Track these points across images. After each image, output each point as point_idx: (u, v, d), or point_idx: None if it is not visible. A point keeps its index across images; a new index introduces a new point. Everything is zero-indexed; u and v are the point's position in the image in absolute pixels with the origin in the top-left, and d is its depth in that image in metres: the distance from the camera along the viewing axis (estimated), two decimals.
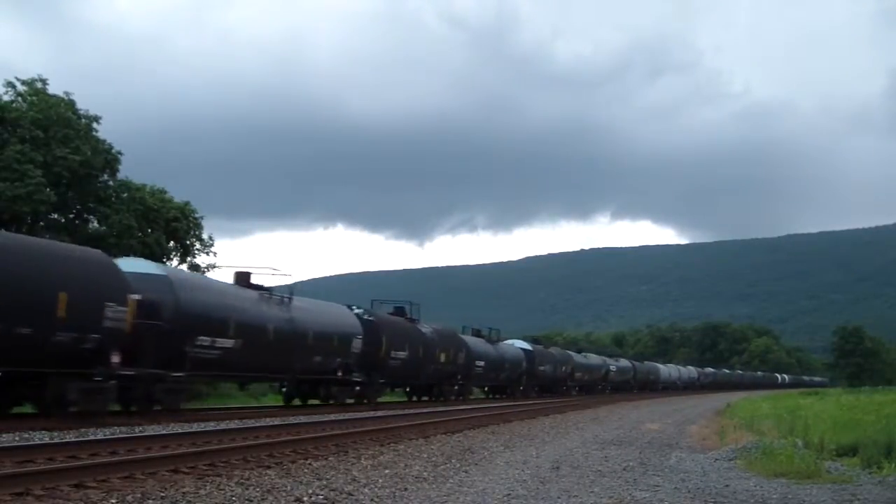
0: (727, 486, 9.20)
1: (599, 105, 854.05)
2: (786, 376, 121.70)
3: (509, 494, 8.16)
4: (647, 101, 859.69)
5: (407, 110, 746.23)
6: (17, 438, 11.43)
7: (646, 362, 74.89)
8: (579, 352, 57.14)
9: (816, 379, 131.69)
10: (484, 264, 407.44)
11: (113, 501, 6.87)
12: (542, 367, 43.56)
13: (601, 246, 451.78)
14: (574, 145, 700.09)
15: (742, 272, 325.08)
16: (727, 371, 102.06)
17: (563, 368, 47.50)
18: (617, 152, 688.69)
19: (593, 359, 57.60)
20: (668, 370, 75.82)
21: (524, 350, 42.49)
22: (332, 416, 18.33)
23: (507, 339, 45.37)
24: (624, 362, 64.33)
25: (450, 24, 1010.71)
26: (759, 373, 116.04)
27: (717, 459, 12.11)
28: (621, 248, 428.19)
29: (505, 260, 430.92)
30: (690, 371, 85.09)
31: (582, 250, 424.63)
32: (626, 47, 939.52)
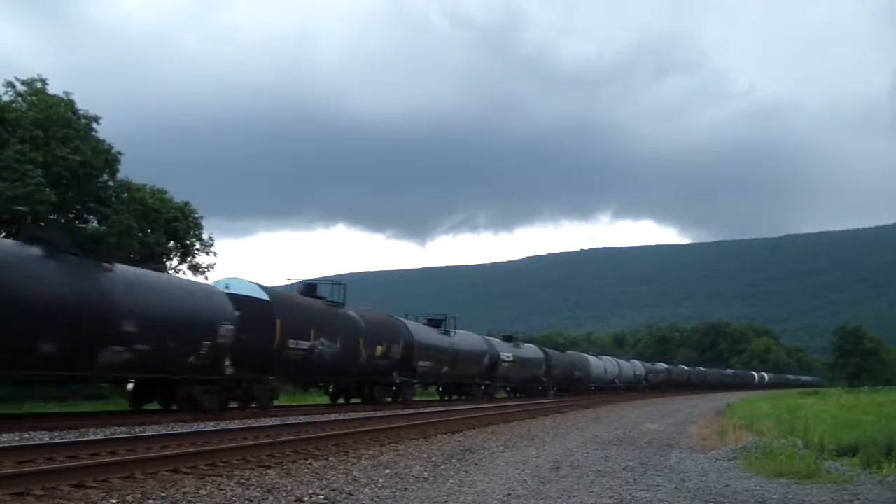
0: (727, 486, 9.19)
1: (603, 104, 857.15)
2: (765, 374, 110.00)
3: (509, 494, 8.16)
4: (652, 100, 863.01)
5: (410, 109, 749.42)
6: (17, 438, 11.43)
7: (568, 352, 55.22)
8: (439, 326, 32.10)
9: (805, 378, 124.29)
10: (484, 264, 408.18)
11: (113, 501, 6.87)
12: (295, 344, 20.88)
13: (601, 246, 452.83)
14: (578, 144, 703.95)
15: (742, 272, 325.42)
16: (685, 368, 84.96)
17: (382, 349, 25.65)
18: (620, 151, 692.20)
19: (464, 340, 33.59)
20: (602, 364, 57.12)
21: (239, 299, 19.37)
22: (333, 416, 18.35)
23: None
24: (529, 350, 43.64)
25: (455, 23, 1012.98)
26: (728, 370, 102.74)
27: (717, 459, 12.10)
28: (621, 248, 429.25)
29: (505, 260, 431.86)
30: (635, 366, 66.25)
31: (582, 250, 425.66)
32: (631, 47, 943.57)
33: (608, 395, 51.13)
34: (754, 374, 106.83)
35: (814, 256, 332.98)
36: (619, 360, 63.77)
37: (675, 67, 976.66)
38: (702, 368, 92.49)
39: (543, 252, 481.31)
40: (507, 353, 38.61)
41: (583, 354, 57.20)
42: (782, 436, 14.84)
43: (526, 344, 44.80)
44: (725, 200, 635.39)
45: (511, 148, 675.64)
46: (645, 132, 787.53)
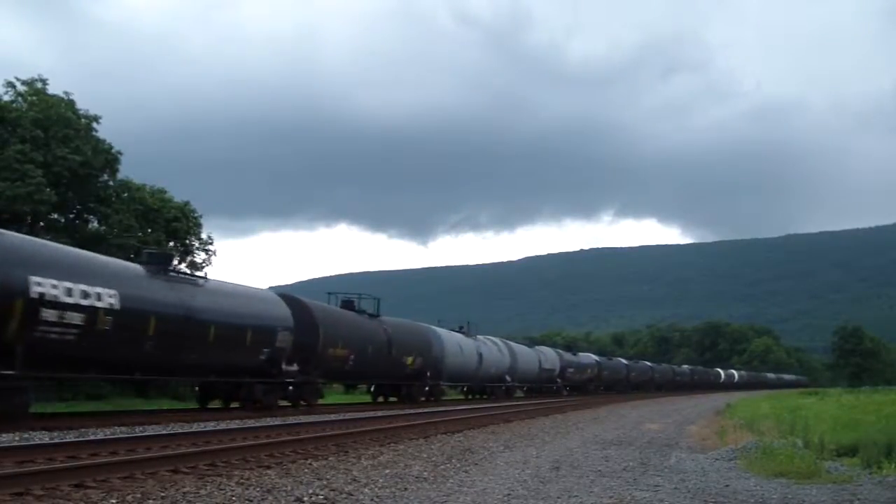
0: (727, 486, 9.20)
1: (608, 104, 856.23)
2: (735, 372, 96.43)
3: (509, 494, 8.16)
4: (657, 99, 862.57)
5: (413, 108, 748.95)
6: (17, 438, 11.43)
7: (387, 318, 27.81)
8: None
9: (788, 377, 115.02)
10: (484, 264, 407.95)
11: (113, 501, 6.87)
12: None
13: (601, 246, 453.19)
14: (582, 143, 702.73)
15: (742, 272, 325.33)
16: (625, 363, 63.82)
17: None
18: (624, 151, 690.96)
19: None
20: (470, 349, 34.35)
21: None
22: (332, 416, 18.35)
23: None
24: (237, 297, 19.36)
25: (462, 22, 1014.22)
26: (685, 367, 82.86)
27: (717, 459, 12.10)
28: (622, 248, 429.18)
29: (505, 260, 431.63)
30: (544, 357, 44.91)
31: (582, 250, 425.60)
32: (636, 46, 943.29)
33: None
34: (720, 371, 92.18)
35: (814, 256, 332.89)
36: (511, 345, 41.16)
37: (681, 66, 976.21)
38: (647, 363, 72.80)
39: (543, 252, 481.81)
40: (119, 290, 14.95)
41: (427, 326, 31.66)
42: (782, 436, 14.85)
43: (231, 284, 20.08)
44: (728, 200, 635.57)
45: (515, 147, 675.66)
46: (649, 131, 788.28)
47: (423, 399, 29.32)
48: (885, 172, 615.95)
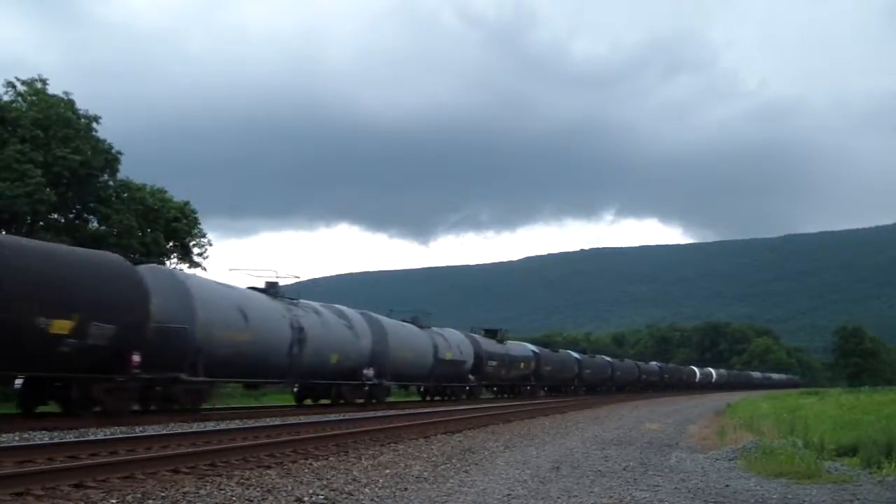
0: (727, 486, 9.19)
1: (611, 103, 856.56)
2: (713, 371, 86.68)
3: (509, 494, 8.15)
4: (659, 99, 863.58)
5: (416, 108, 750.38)
6: (17, 438, 11.43)
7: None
8: None
9: (776, 376, 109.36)
10: (484, 264, 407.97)
11: (113, 501, 6.87)
12: None
13: (602, 246, 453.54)
14: (583, 143, 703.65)
15: (742, 272, 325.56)
16: (576, 357, 52.32)
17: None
18: (626, 150, 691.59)
19: None
20: (278, 315, 20.75)
21: None
22: (333, 416, 18.35)
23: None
24: None
25: (465, 21, 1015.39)
26: (653, 364, 72.84)
27: (717, 459, 12.10)
28: (622, 247, 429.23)
29: (506, 260, 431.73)
30: (447, 342, 32.26)
31: (582, 250, 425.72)
32: (639, 45, 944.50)
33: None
34: (695, 370, 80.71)
35: (814, 256, 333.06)
36: (380, 320, 27.80)
37: (684, 66, 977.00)
38: (606, 358, 61.22)
39: (543, 252, 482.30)
40: None
41: (148, 267, 19.03)
42: (782, 436, 14.84)
43: None
44: (730, 200, 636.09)
45: (516, 146, 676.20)
46: (651, 131, 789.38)
47: (139, 408, 16.55)
48: (886, 172, 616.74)
